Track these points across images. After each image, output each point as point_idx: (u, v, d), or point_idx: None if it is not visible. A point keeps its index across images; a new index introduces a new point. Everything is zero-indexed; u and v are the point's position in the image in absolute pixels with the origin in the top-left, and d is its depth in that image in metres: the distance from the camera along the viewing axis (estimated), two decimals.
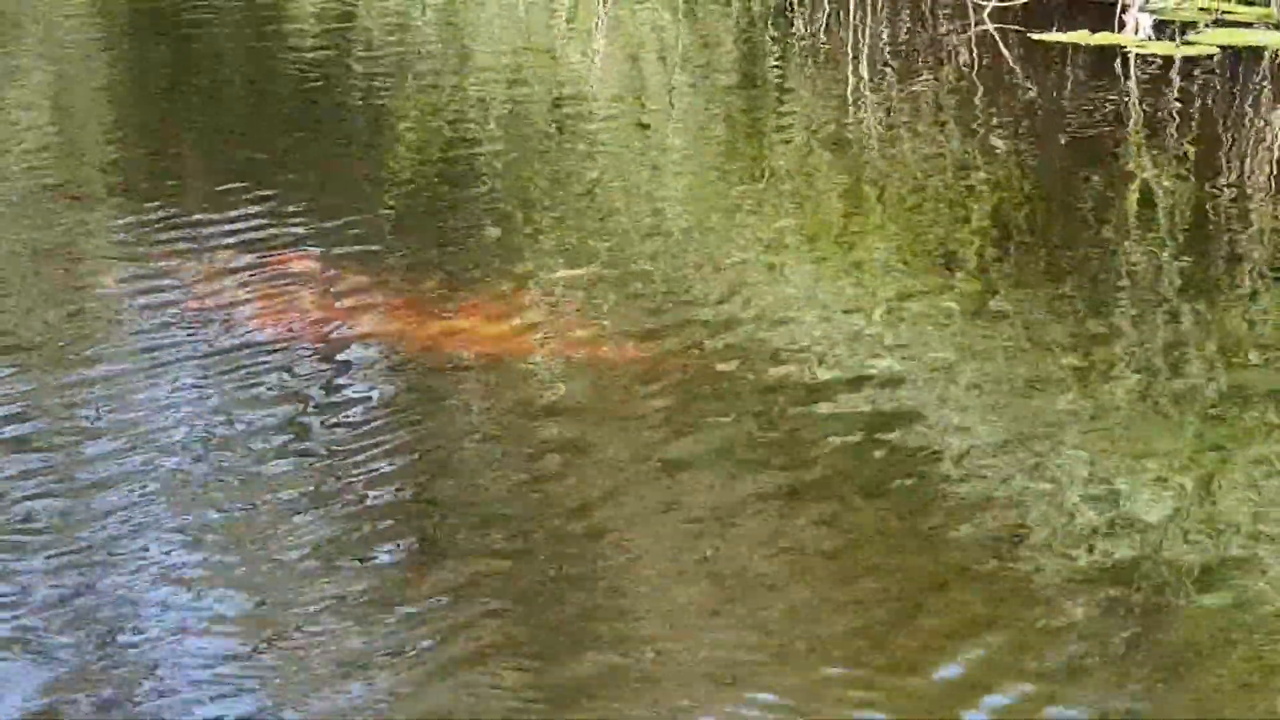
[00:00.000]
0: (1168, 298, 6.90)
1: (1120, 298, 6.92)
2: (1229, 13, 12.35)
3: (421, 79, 11.23)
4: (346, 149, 9.51)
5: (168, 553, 4.72)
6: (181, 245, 7.40)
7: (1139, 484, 5.21)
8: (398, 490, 5.11)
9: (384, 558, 4.73)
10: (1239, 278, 7.24)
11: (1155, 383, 5.99)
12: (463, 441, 5.48)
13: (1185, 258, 7.48)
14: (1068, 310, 6.69)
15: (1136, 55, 11.53)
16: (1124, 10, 12.11)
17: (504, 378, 6.02)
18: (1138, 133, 9.86)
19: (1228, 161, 9.20)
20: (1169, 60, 11.40)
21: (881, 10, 13.42)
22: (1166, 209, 8.27)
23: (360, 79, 11.25)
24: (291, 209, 7.96)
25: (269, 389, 5.85)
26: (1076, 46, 11.81)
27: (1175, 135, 9.74)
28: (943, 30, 12.88)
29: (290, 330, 6.38)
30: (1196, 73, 11.18)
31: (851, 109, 10.44)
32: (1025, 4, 13.01)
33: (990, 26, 12.63)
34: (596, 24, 13.33)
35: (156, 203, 8.06)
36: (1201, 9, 12.40)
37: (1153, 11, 12.15)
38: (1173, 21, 12.18)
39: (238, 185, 8.46)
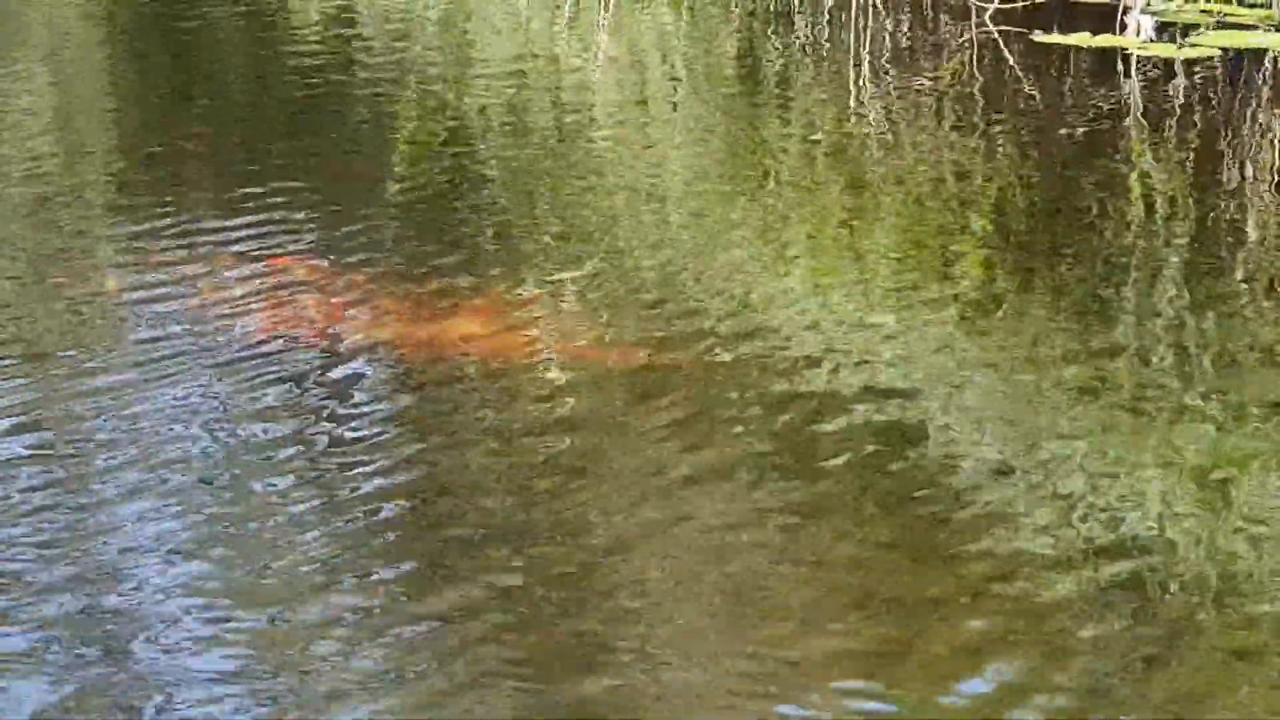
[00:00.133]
0: (1174, 302, 6.90)
1: (1125, 300, 6.92)
2: (1230, 15, 12.35)
3: (424, 82, 11.24)
4: (349, 153, 9.52)
5: (172, 562, 4.72)
6: (185, 250, 7.40)
7: (1146, 494, 5.21)
8: (402, 499, 5.11)
9: (388, 568, 4.73)
10: (1242, 281, 7.24)
11: (1161, 390, 5.99)
12: (467, 450, 5.47)
13: (1188, 261, 7.48)
14: (1071, 315, 6.69)
15: (1138, 57, 11.53)
16: (1125, 12, 12.11)
17: (508, 383, 6.02)
18: (1139, 135, 9.86)
19: (1230, 164, 9.20)
20: (1170, 62, 11.40)
21: (883, 12, 13.42)
22: (1169, 212, 8.27)
23: (362, 83, 11.25)
24: (294, 213, 7.96)
25: (272, 394, 5.85)
26: (1078, 49, 11.81)
27: (1177, 137, 9.74)
28: (944, 32, 12.88)
29: (293, 335, 6.38)
30: (1198, 75, 11.18)
31: (853, 111, 10.44)
32: (1027, 6, 13.02)
33: (992, 28, 12.63)
34: (598, 26, 13.34)
35: (159, 207, 8.06)
36: (1203, 11, 12.40)
37: (1154, 14, 12.15)
38: (1174, 24, 12.18)
39: (240, 189, 8.46)
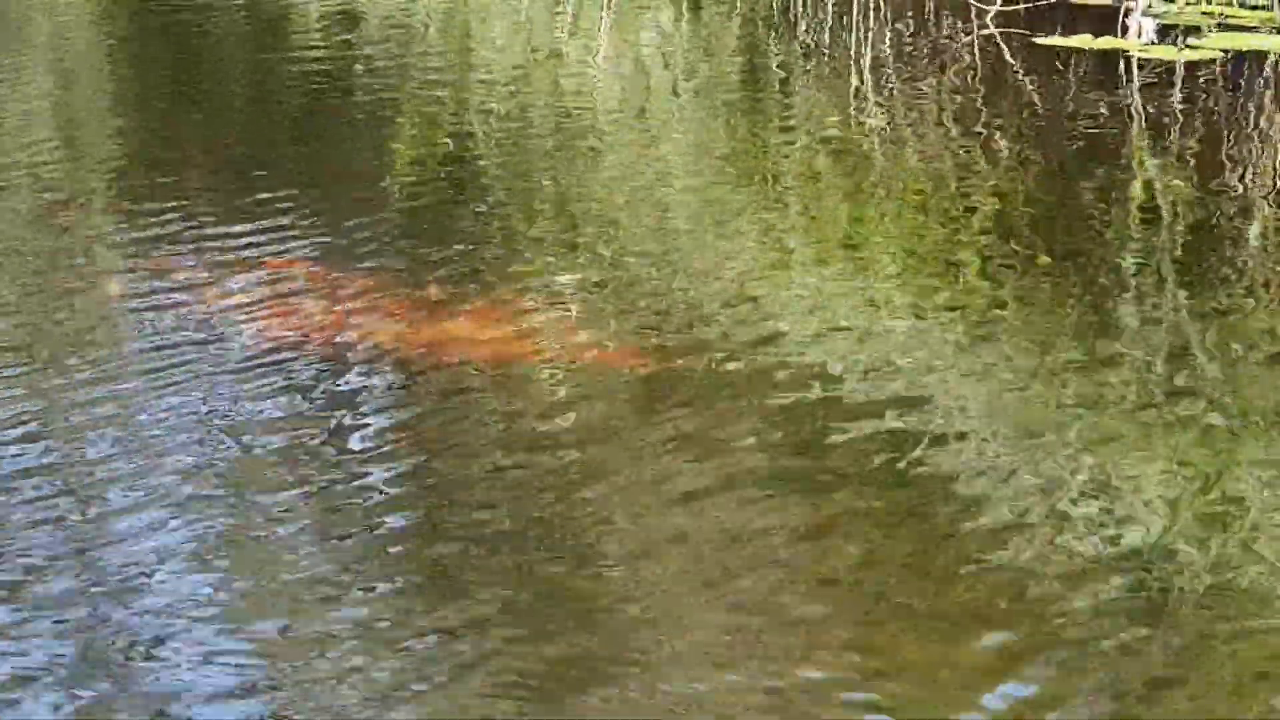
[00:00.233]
0: (1179, 307, 6.90)
1: (1130, 306, 6.91)
2: (1232, 17, 12.35)
3: (425, 85, 11.24)
4: (350, 155, 9.52)
5: (175, 571, 4.70)
6: (187, 254, 7.40)
7: (1159, 504, 5.19)
8: (406, 507, 5.09)
9: (392, 577, 4.71)
10: (1243, 281, 7.24)
11: (1170, 397, 5.98)
12: (471, 457, 5.46)
13: (1190, 262, 7.48)
14: (1076, 320, 6.69)
15: (1139, 60, 11.53)
16: (1127, 15, 12.11)
17: (511, 388, 6.02)
18: (1141, 137, 9.86)
19: (1231, 165, 9.20)
20: (1172, 65, 11.40)
21: (884, 14, 13.42)
22: (1170, 213, 8.27)
23: (364, 85, 11.25)
24: (297, 217, 7.96)
25: (275, 400, 5.84)
26: (1079, 51, 11.82)
27: (1178, 139, 9.74)
28: (946, 34, 12.89)
29: (296, 339, 6.38)
30: (1199, 77, 11.18)
31: (855, 113, 10.44)
32: (1028, 8, 13.02)
33: (993, 30, 12.63)
34: (599, 29, 13.34)
35: (161, 209, 8.06)
36: (1204, 13, 12.41)
37: (1155, 16, 12.15)
38: (1176, 26, 12.19)
39: (243, 193, 8.46)
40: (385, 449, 5.46)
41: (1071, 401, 5.87)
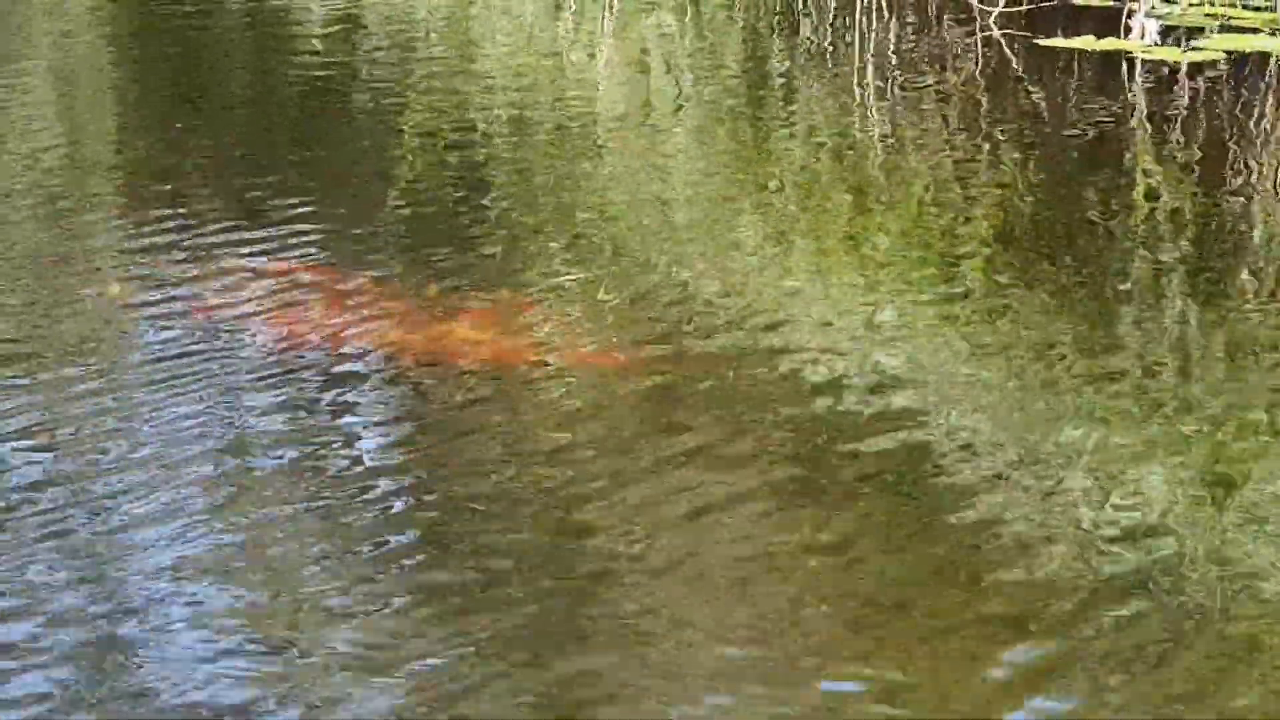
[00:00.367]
0: (1176, 303, 6.90)
1: (1128, 303, 6.91)
2: (1235, 18, 12.34)
3: (427, 87, 11.23)
4: (352, 157, 9.51)
5: (177, 570, 4.70)
6: (188, 254, 7.40)
7: (1146, 489, 5.20)
8: (410, 511, 5.08)
9: (396, 582, 4.70)
10: (1246, 283, 7.23)
11: (1173, 395, 5.98)
12: (475, 461, 5.46)
13: (1192, 263, 7.48)
14: (1075, 317, 6.69)
15: (1142, 61, 11.52)
16: (1130, 16, 12.10)
17: (515, 390, 6.01)
18: (1143, 138, 9.85)
19: (1234, 167, 9.20)
20: (1175, 66, 11.39)
21: (887, 15, 13.41)
22: (1172, 215, 8.26)
23: (366, 86, 11.25)
24: (300, 219, 7.96)
25: (278, 401, 5.84)
26: (1082, 52, 11.81)
27: (1181, 141, 9.73)
28: (948, 35, 12.88)
29: (300, 342, 6.37)
30: (1202, 78, 11.17)
31: (857, 114, 10.43)
32: (1031, 9, 13.01)
33: (996, 32, 12.62)
34: (601, 30, 13.33)
35: (164, 212, 8.06)
36: (1207, 15, 12.40)
37: (1159, 17, 12.15)
38: (1179, 27, 12.18)
39: (246, 194, 8.46)
40: (390, 455, 5.46)
41: (1082, 409, 5.86)
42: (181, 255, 7.37)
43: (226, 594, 4.59)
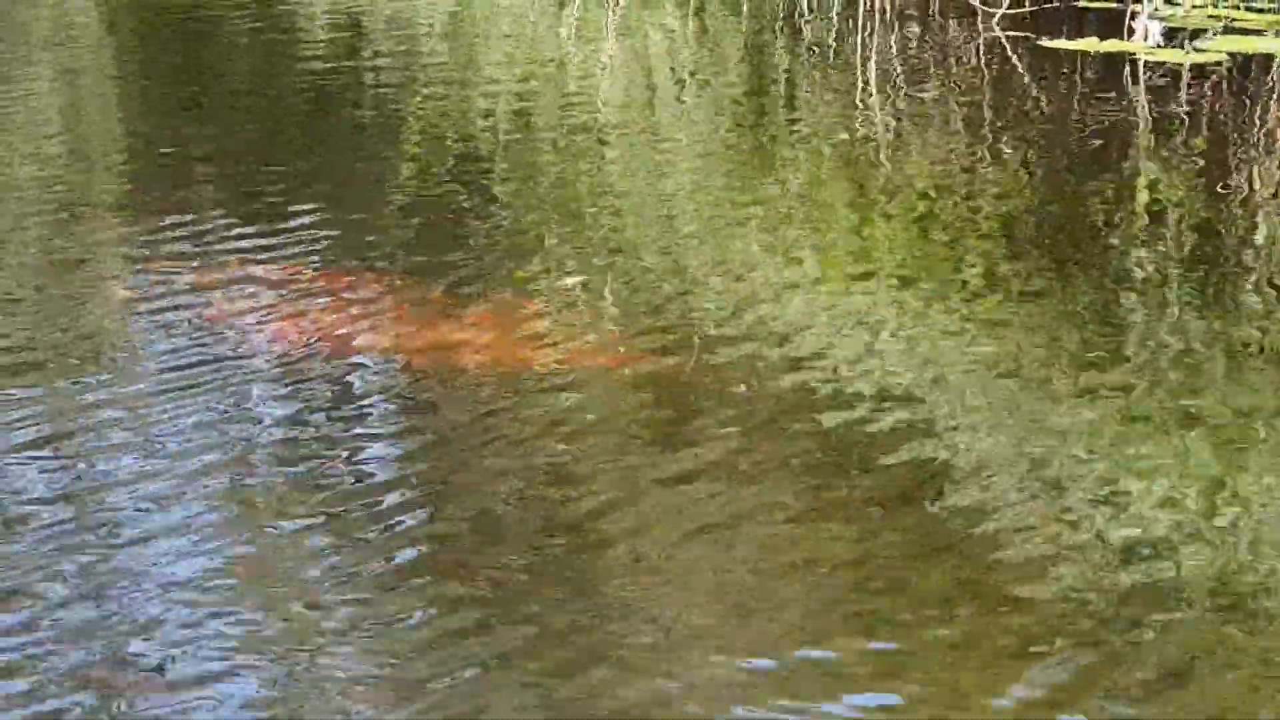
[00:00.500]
0: (1184, 308, 6.89)
1: (1135, 308, 6.91)
2: (1238, 20, 12.35)
3: (431, 88, 11.24)
4: (356, 159, 9.52)
5: (181, 570, 4.70)
6: (193, 257, 7.40)
7: (1150, 495, 5.20)
8: (414, 517, 5.07)
9: (396, 576, 4.70)
10: (1249, 286, 7.23)
11: (1174, 395, 5.97)
12: (479, 458, 5.46)
13: (1196, 265, 7.48)
14: (1077, 319, 6.69)
15: (1146, 62, 11.53)
16: (1133, 18, 12.11)
17: (518, 389, 6.01)
18: (1147, 140, 9.85)
19: (1237, 168, 9.20)
20: (1178, 67, 11.40)
21: (890, 17, 13.42)
22: (1176, 217, 8.26)
23: (369, 89, 11.26)
24: (304, 220, 7.97)
25: (281, 400, 5.84)
26: (1086, 53, 11.81)
27: (1184, 142, 9.74)
28: (952, 37, 12.88)
29: (304, 343, 6.38)
30: (1206, 80, 11.17)
31: (861, 116, 10.44)
32: (1034, 11, 13.02)
33: (1000, 33, 12.63)
34: (605, 32, 13.34)
35: (168, 214, 8.07)
36: (1211, 16, 12.40)
37: (1162, 19, 12.15)
38: (1182, 29, 12.18)
39: (250, 196, 8.47)
40: (399, 462, 5.45)
41: (1075, 398, 5.87)
42: (187, 259, 7.38)
43: (234, 605, 4.57)
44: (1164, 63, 11.54)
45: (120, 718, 4.11)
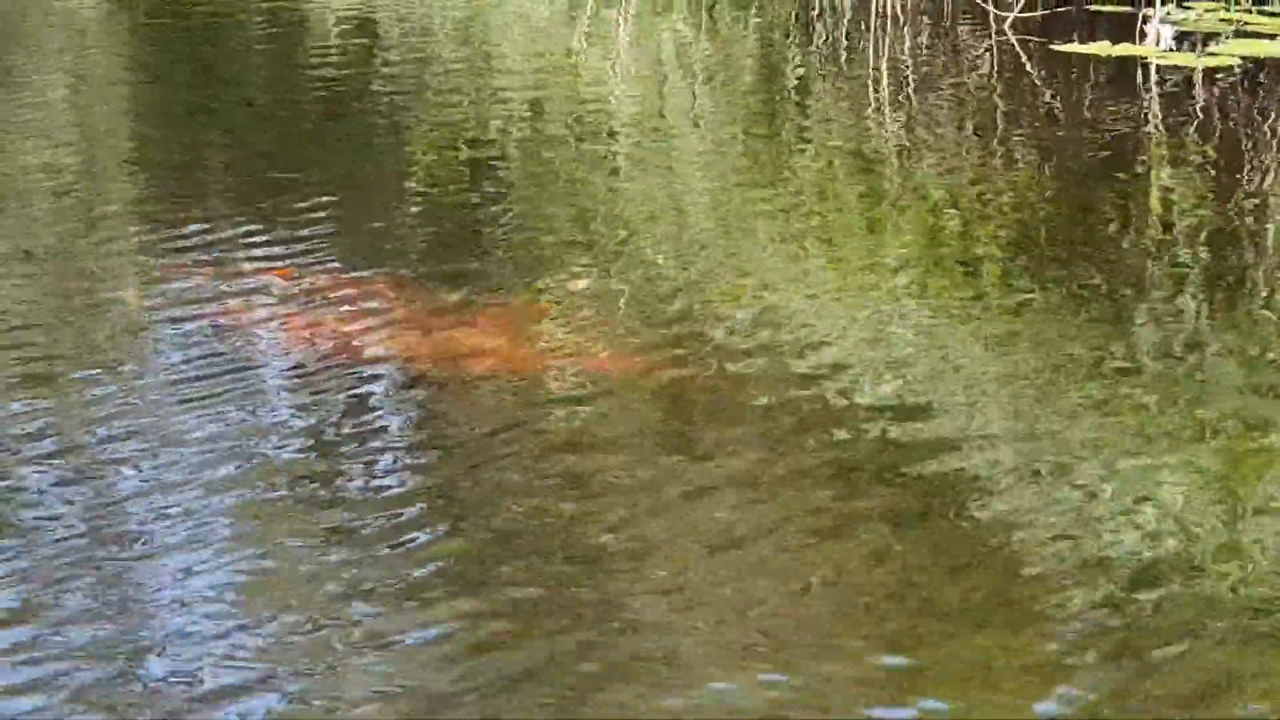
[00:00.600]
0: (1193, 309, 6.89)
1: (1145, 310, 6.91)
2: (1250, 24, 12.34)
3: (442, 92, 11.25)
4: (370, 165, 9.53)
5: (196, 583, 4.70)
6: (203, 261, 7.41)
7: (1176, 507, 5.18)
8: (426, 521, 5.06)
9: (413, 591, 4.68)
10: (1260, 288, 7.23)
11: (1185, 399, 5.97)
12: (487, 465, 5.45)
13: (1207, 269, 7.47)
14: (1090, 324, 6.68)
15: (1157, 66, 11.52)
16: (1145, 21, 12.10)
17: (528, 395, 6.01)
18: (1159, 144, 9.85)
19: (1249, 173, 9.19)
20: (1190, 72, 11.39)
21: (902, 21, 13.42)
22: (1188, 221, 8.25)
23: (381, 92, 11.26)
24: (316, 226, 7.97)
25: (296, 410, 5.84)
26: (1097, 58, 11.81)
27: (1196, 146, 9.73)
28: (963, 41, 12.88)
29: (314, 347, 6.38)
30: (1218, 84, 11.17)
31: (872, 120, 10.44)
32: (1046, 15, 13.01)
33: (1011, 37, 12.63)
34: (617, 36, 13.34)
35: (181, 220, 8.07)
36: (1222, 20, 12.39)
37: (1174, 23, 12.14)
38: (1194, 33, 12.18)
39: (260, 199, 8.48)
40: (412, 467, 5.45)
41: (1092, 411, 5.86)
42: (201, 265, 7.38)
43: (250, 621, 4.54)
44: (1176, 67, 11.54)
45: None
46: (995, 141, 9.83)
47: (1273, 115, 10.44)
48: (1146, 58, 11.70)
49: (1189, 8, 12.51)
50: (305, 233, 7.83)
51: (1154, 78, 11.32)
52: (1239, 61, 11.57)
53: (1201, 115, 10.39)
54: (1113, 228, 8.18)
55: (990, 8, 13.11)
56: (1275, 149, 9.71)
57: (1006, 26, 12.86)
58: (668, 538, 4.97)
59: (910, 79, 11.54)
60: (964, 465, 5.42)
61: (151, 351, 6.43)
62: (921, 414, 5.81)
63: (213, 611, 4.54)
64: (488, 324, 6.65)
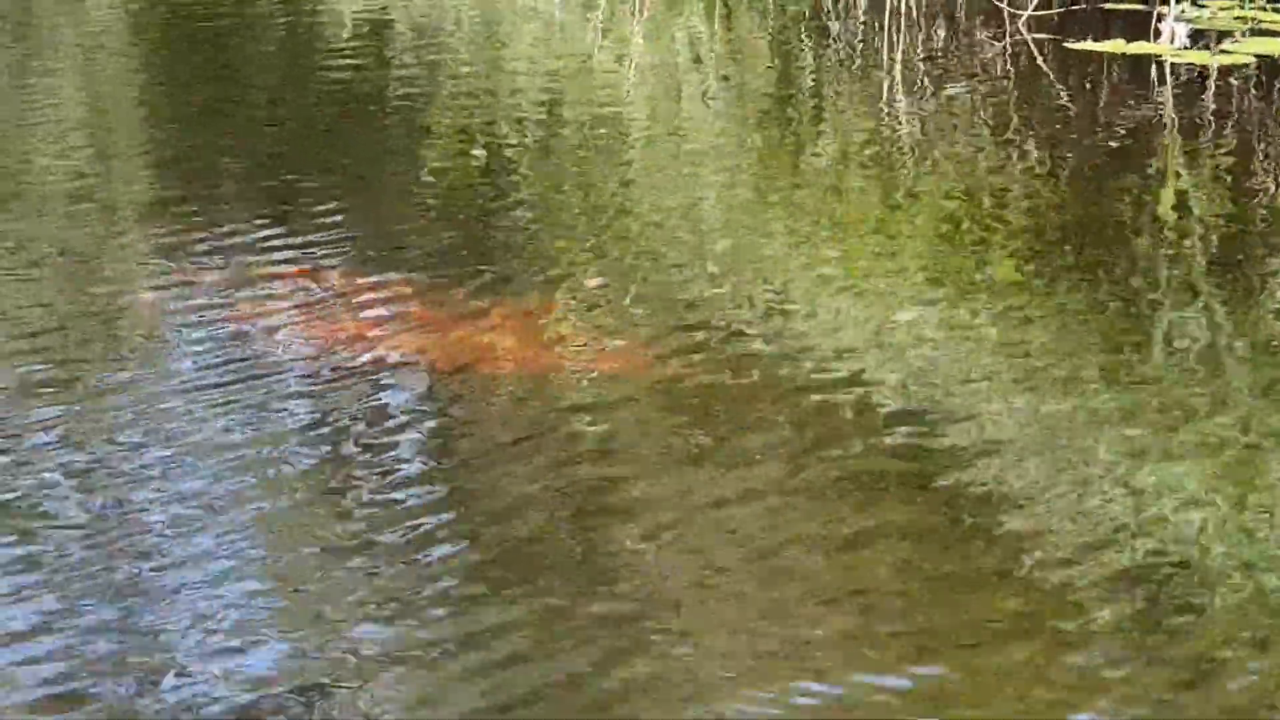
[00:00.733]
0: (1206, 308, 6.89)
1: (1159, 309, 6.91)
2: (1266, 22, 12.32)
3: (456, 91, 11.25)
4: (383, 164, 9.53)
5: (211, 591, 4.70)
6: (216, 261, 7.42)
7: (1204, 517, 5.17)
8: (444, 528, 5.05)
9: (432, 600, 4.68)
10: (1273, 286, 7.22)
11: (1198, 401, 5.96)
12: (502, 466, 5.45)
13: (1221, 266, 7.47)
14: (1110, 327, 6.68)
15: (1172, 65, 11.51)
16: (1159, 20, 12.09)
17: (543, 396, 6.02)
18: (1173, 142, 9.84)
19: (1264, 170, 9.18)
20: (1205, 69, 11.38)
21: (916, 19, 13.41)
22: (1202, 218, 8.25)
23: (395, 93, 11.27)
24: (328, 225, 7.98)
25: (311, 413, 5.84)
26: (1112, 56, 11.80)
27: (1211, 144, 9.72)
28: (978, 38, 12.87)
29: (326, 346, 6.39)
30: (1232, 82, 11.15)
31: (887, 117, 10.44)
32: (1060, 13, 13.00)
33: (1025, 35, 12.61)
34: (631, 35, 13.34)
35: (192, 218, 8.08)
36: (1237, 18, 12.37)
37: (1189, 21, 12.13)
38: (1209, 31, 12.16)
39: (274, 200, 8.49)
40: (429, 473, 5.45)
41: (1105, 411, 5.86)
42: (214, 266, 7.39)
43: (269, 630, 4.54)
44: (1190, 65, 11.52)
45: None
46: (1010, 141, 9.82)
47: None
48: (1161, 56, 11.68)
49: (1203, 6, 12.49)
50: (321, 235, 7.83)
51: (1169, 76, 11.31)
52: (1254, 60, 11.55)
53: (1216, 113, 10.38)
54: (1129, 228, 8.17)
55: (1004, 6, 13.11)
56: None
57: (1021, 25, 12.85)
58: (691, 546, 4.97)
59: (924, 77, 11.54)
60: (987, 472, 5.41)
61: (168, 353, 6.44)
62: (943, 420, 5.80)
63: (231, 620, 4.55)
64: (505, 325, 6.66)
